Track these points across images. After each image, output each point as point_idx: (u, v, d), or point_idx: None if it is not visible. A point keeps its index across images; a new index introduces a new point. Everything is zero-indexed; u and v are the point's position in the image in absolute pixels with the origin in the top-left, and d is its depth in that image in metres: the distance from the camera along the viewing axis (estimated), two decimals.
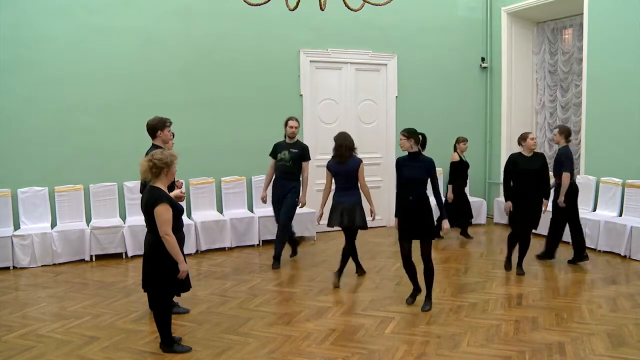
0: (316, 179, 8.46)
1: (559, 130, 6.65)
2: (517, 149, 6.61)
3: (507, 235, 6.58)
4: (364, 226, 5.79)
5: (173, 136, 5.14)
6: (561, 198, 6.35)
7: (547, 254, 6.79)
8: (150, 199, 3.93)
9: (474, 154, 9.48)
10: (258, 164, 8.07)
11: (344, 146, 5.72)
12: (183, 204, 4.35)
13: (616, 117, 7.40)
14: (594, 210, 7.58)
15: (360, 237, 8.51)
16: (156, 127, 4.96)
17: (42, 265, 6.66)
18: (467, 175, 8.15)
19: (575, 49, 8.58)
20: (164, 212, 3.87)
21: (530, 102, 9.48)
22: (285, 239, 6.75)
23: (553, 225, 6.69)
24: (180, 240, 4.10)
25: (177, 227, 4.06)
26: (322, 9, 4.75)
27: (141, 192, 4.72)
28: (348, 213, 5.68)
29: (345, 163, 5.73)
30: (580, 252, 6.53)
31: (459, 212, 7.85)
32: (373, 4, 5.06)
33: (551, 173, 6.60)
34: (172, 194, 4.21)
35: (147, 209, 3.93)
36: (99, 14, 7.21)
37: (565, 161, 6.36)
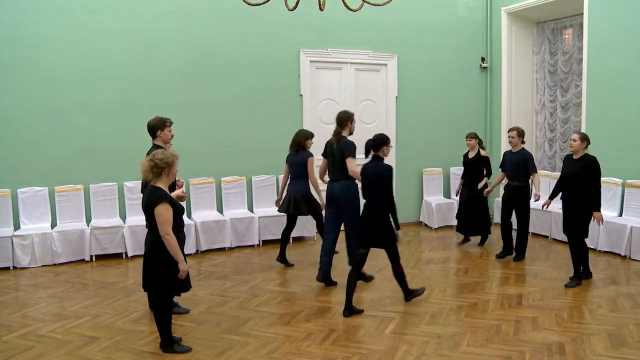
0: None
1: (517, 133, 6.78)
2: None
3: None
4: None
5: (172, 137, 5.12)
6: (539, 192, 6.56)
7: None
8: (151, 198, 3.93)
9: None
10: (258, 164, 8.10)
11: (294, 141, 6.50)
12: (183, 204, 4.36)
13: (616, 117, 7.40)
14: None
15: None
16: (156, 127, 4.97)
17: (42, 265, 6.66)
18: (475, 175, 7.53)
19: (575, 49, 8.58)
20: (164, 212, 3.88)
21: (530, 102, 9.48)
22: None
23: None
24: (181, 240, 4.11)
25: (178, 227, 4.06)
26: (321, 9, 4.75)
27: (142, 192, 4.72)
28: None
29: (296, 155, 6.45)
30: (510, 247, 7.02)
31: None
32: (373, 4, 5.06)
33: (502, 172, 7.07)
34: (173, 194, 4.22)
35: (148, 208, 3.93)
36: (99, 14, 7.21)
37: (532, 162, 6.70)
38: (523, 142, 6.88)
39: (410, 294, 5.25)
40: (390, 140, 5.11)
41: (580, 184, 5.64)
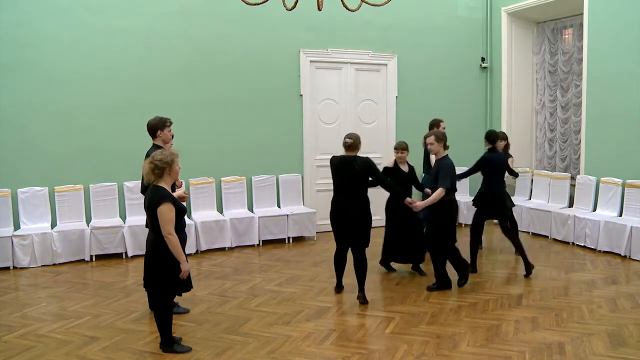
0: (316, 179, 8.47)
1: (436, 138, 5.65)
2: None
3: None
4: None
5: (172, 137, 5.13)
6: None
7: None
8: (154, 198, 3.94)
9: (474, 154, 9.46)
10: (258, 164, 8.10)
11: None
12: (184, 203, 4.36)
13: (616, 117, 7.40)
14: (594, 210, 7.57)
15: None
16: (156, 127, 4.96)
17: (42, 265, 6.66)
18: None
19: (575, 49, 8.58)
20: (167, 212, 3.88)
21: (530, 102, 9.47)
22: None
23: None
24: (183, 240, 4.11)
25: (180, 227, 4.06)
26: (319, 9, 4.74)
27: (142, 192, 4.73)
28: None
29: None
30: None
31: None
32: (372, 4, 5.05)
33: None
34: (174, 194, 4.21)
35: (151, 208, 3.94)
36: (99, 14, 7.21)
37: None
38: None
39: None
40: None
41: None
